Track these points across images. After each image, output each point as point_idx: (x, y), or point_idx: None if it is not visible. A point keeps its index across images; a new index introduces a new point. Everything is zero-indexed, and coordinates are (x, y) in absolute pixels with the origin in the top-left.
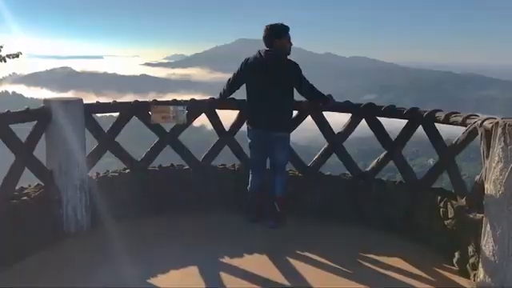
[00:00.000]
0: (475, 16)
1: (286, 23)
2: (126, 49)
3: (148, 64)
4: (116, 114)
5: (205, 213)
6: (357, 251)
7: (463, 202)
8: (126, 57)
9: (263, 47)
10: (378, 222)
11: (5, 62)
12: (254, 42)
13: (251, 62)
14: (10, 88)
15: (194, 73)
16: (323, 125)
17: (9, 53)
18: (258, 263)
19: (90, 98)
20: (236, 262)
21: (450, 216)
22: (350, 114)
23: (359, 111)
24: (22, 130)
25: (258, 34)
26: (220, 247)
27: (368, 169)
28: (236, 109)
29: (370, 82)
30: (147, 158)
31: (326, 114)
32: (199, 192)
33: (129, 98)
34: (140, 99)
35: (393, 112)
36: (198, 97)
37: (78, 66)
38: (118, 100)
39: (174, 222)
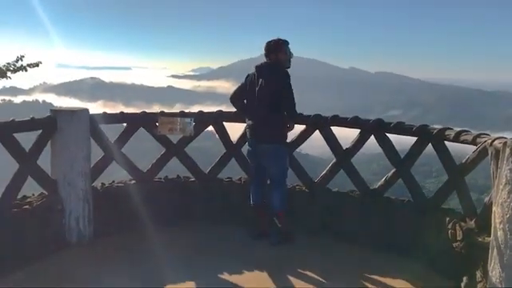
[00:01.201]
0: (510, 32)
1: (310, 38)
2: (154, 61)
3: (174, 76)
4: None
5: (209, 226)
6: (361, 271)
7: (472, 224)
8: (153, 68)
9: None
10: (384, 242)
11: (26, 71)
12: None
13: (248, 76)
14: (41, 97)
15: (219, 85)
16: (331, 140)
17: (30, 62)
18: (257, 280)
19: (118, 109)
20: (234, 278)
21: (458, 238)
22: (359, 130)
23: (368, 127)
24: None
25: None
26: (220, 262)
27: (376, 186)
28: (243, 121)
29: (396, 97)
30: (153, 169)
31: (335, 129)
32: (204, 205)
33: (156, 109)
34: (166, 110)
35: (402, 129)
36: (222, 109)
37: (107, 76)
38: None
39: (176, 235)
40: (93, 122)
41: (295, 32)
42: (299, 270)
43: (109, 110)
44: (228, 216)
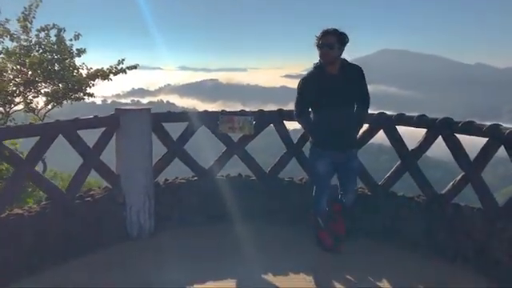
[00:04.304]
0: None
1: (428, 31)
2: (268, 61)
3: (288, 76)
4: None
5: (267, 225)
6: (419, 284)
7: None
8: (267, 69)
9: (405, 57)
10: (449, 253)
11: (125, 73)
12: (398, 52)
13: None
14: (165, 98)
15: None
16: (396, 140)
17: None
18: (300, 283)
19: (236, 109)
20: (278, 279)
21: None
22: (425, 130)
23: (435, 127)
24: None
25: (402, 45)
26: (268, 262)
27: (443, 191)
28: None
29: None
30: (215, 167)
31: (400, 128)
32: (264, 204)
33: (270, 108)
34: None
35: (471, 129)
36: None
37: (224, 78)
38: None
39: (233, 233)
40: (155, 121)
41: (413, 27)
42: (348, 277)
43: (229, 109)
44: (287, 216)
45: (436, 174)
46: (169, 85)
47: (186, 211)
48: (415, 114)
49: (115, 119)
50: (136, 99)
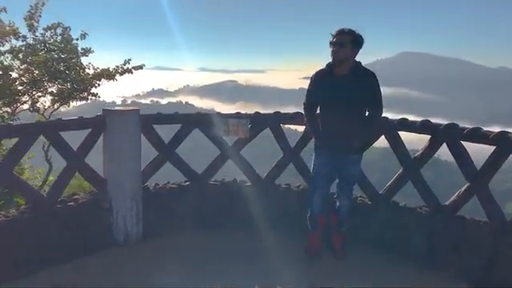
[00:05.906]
0: None
1: (451, 34)
2: (287, 63)
3: (306, 78)
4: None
5: (260, 233)
6: None
7: None
8: (286, 71)
9: (427, 61)
10: (453, 269)
11: (131, 73)
12: (419, 55)
13: None
14: (184, 99)
15: None
16: (397, 147)
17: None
18: None
19: (256, 110)
20: None
21: None
22: (430, 136)
23: (439, 133)
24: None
25: (424, 47)
26: (259, 273)
27: (447, 203)
28: (302, 124)
29: None
30: (208, 171)
31: (403, 134)
32: (259, 210)
33: (290, 110)
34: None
35: (477, 136)
36: None
37: (243, 79)
38: None
39: (224, 240)
40: (145, 122)
41: (435, 29)
42: None
43: (249, 111)
44: (283, 223)
45: (454, 179)
46: (188, 85)
47: (176, 217)
48: (439, 118)
49: (101, 120)
50: (155, 99)
